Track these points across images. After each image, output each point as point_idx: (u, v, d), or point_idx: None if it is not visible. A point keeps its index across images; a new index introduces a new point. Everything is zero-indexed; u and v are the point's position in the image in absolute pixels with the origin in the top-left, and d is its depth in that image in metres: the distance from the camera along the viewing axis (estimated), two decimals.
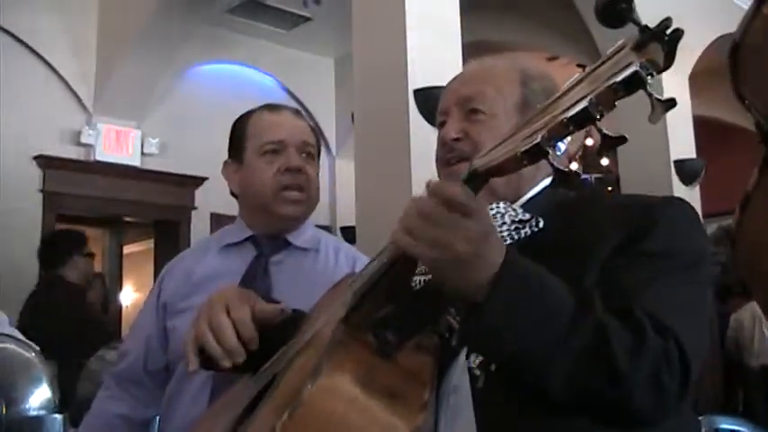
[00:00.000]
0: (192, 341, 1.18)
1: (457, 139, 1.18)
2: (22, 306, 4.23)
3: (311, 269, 1.71)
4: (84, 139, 6.25)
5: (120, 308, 6.60)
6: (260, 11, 6.73)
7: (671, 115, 5.47)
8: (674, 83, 5.54)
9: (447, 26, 3.94)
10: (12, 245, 5.67)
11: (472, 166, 0.91)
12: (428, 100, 3.60)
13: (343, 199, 7.07)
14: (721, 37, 6.27)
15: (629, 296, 0.93)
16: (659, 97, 0.77)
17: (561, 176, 0.82)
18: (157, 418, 1.74)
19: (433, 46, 3.85)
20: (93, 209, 6.59)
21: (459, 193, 0.87)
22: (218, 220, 6.49)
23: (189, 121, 6.82)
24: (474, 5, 4.75)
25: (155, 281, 1.86)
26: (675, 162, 5.70)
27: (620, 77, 0.77)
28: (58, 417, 3.73)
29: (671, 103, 0.77)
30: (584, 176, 8.70)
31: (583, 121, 0.78)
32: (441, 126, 1.24)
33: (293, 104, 5.70)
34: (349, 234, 5.47)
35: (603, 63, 0.80)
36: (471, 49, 3.91)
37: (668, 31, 0.77)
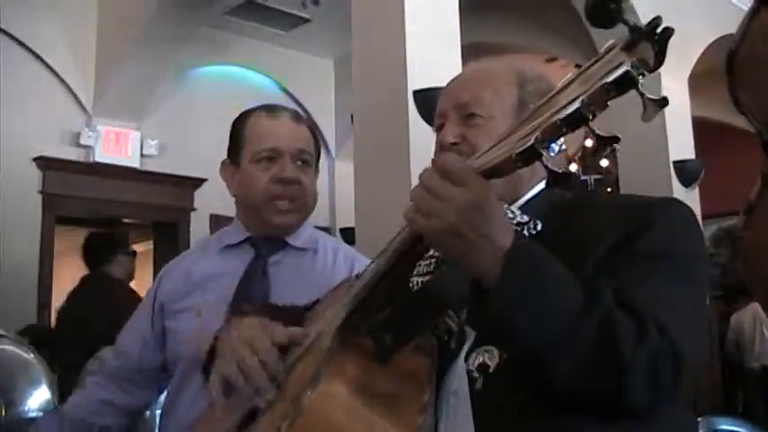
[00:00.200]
0: (219, 379, 1.17)
1: (455, 143, 1.18)
2: (64, 302, 4.35)
3: (310, 269, 1.70)
4: (83, 141, 6.25)
5: None
6: (259, 12, 6.73)
7: (670, 116, 5.48)
8: (673, 84, 5.54)
9: (446, 27, 3.94)
10: (11, 246, 5.67)
11: None
12: (427, 101, 3.60)
13: (343, 200, 7.08)
14: (721, 38, 6.27)
15: (625, 295, 0.93)
16: (651, 96, 0.77)
17: (555, 177, 0.83)
18: (157, 414, 1.74)
19: (433, 47, 3.85)
20: (92, 210, 6.58)
21: (452, 163, 0.89)
22: (217, 222, 6.49)
23: (188, 123, 6.82)
24: (473, 7, 4.75)
25: (152, 286, 1.86)
26: (675, 163, 5.70)
27: (611, 78, 0.77)
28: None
29: (663, 103, 0.77)
30: (582, 178, 8.71)
31: (575, 121, 0.79)
32: (438, 129, 1.24)
33: (292, 106, 5.69)
34: (348, 235, 5.48)
35: (595, 63, 0.81)
36: (470, 51, 3.92)
37: (658, 31, 0.77)
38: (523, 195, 1.18)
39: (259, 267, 1.69)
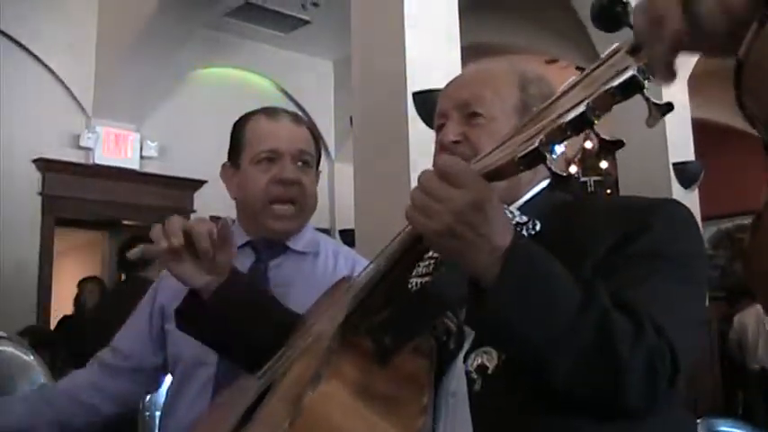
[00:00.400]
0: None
1: (456, 142, 1.18)
2: (100, 303, 4.42)
3: (310, 273, 1.70)
4: (83, 143, 6.26)
5: None
6: (259, 14, 6.73)
7: (670, 118, 5.48)
8: (673, 85, 5.52)
9: (446, 28, 3.94)
10: (11, 247, 5.67)
11: None
12: (427, 102, 3.60)
13: (342, 202, 7.08)
14: None
15: (622, 295, 0.94)
16: (656, 101, 0.77)
17: (558, 180, 0.82)
18: (157, 415, 1.73)
19: (432, 48, 3.85)
20: (92, 212, 6.59)
21: (451, 164, 0.89)
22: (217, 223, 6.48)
23: (188, 125, 6.83)
24: (473, 8, 4.76)
25: (151, 287, 1.86)
26: (674, 165, 5.70)
27: (616, 82, 0.76)
28: None
29: (668, 107, 0.77)
30: (582, 179, 8.71)
31: (580, 125, 0.78)
32: (439, 129, 1.24)
33: (292, 107, 5.70)
34: (348, 237, 5.48)
35: (599, 66, 0.80)
36: (470, 52, 3.92)
37: None
38: (523, 196, 1.18)
39: (259, 271, 1.69)
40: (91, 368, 1.76)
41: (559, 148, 0.82)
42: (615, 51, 0.79)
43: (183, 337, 1.64)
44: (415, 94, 3.69)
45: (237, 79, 7.31)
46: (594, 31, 5.27)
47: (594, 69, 0.81)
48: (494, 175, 0.88)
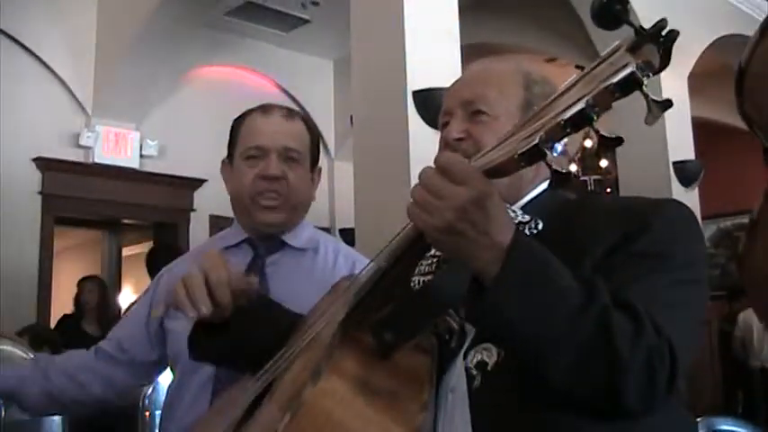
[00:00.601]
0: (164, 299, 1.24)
1: (459, 140, 1.19)
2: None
3: (309, 269, 1.70)
4: (83, 142, 6.25)
5: (118, 310, 6.60)
6: (258, 13, 6.73)
7: (670, 117, 5.48)
8: (673, 84, 5.54)
9: (446, 28, 3.95)
10: (11, 246, 5.68)
11: None
12: (427, 101, 3.60)
13: (342, 201, 7.07)
14: (720, 38, 6.27)
15: (622, 294, 0.94)
16: (655, 98, 0.77)
17: (559, 178, 0.83)
18: (157, 415, 1.74)
19: (432, 47, 3.85)
20: (91, 211, 6.59)
21: (452, 162, 0.89)
22: (216, 222, 6.49)
23: (188, 124, 6.82)
24: (473, 7, 4.76)
25: (151, 283, 1.87)
26: (674, 164, 5.70)
27: (615, 79, 0.77)
28: (57, 419, 3.73)
29: (667, 105, 0.77)
30: (582, 178, 8.71)
31: (580, 122, 0.79)
32: (443, 127, 1.24)
33: (292, 106, 5.70)
34: (348, 236, 5.48)
35: (599, 64, 0.81)
36: (470, 51, 3.92)
37: (663, 33, 0.77)
38: (525, 195, 1.18)
39: (256, 268, 1.70)
40: (89, 353, 1.78)
41: (560, 146, 0.82)
42: (615, 49, 0.80)
43: (181, 335, 1.65)
44: (415, 93, 3.70)
45: (237, 78, 7.31)
46: (594, 29, 5.27)
47: (595, 67, 0.81)
48: (494, 171, 0.88)
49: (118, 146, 6.45)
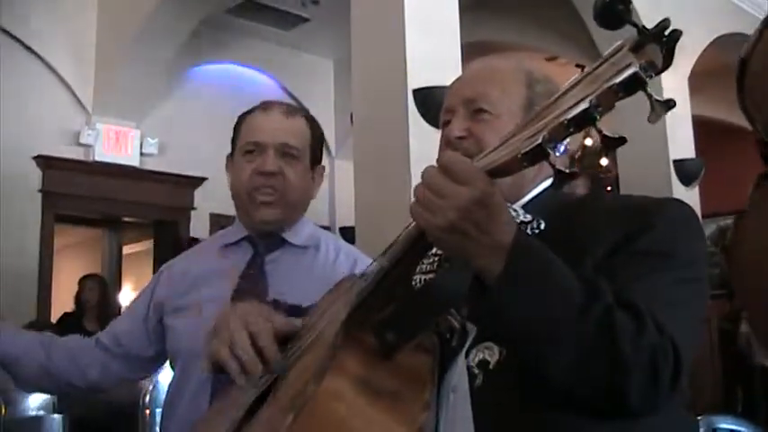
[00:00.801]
0: (208, 355, 1.15)
1: (461, 138, 1.18)
2: None
3: (310, 267, 1.70)
4: (83, 140, 6.26)
5: (119, 308, 6.61)
6: (259, 11, 6.73)
7: (670, 115, 5.47)
8: (673, 83, 5.54)
9: (446, 26, 3.95)
10: (11, 244, 5.68)
11: None
12: (427, 100, 3.60)
13: (342, 199, 7.08)
14: (720, 37, 6.27)
15: (624, 293, 0.94)
16: (658, 98, 0.77)
17: (562, 177, 0.83)
18: (157, 413, 1.75)
19: (432, 46, 3.85)
20: (92, 209, 6.59)
21: (455, 161, 0.89)
22: (217, 221, 6.50)
23: (188, 122, 6.82)
24: (473, 6, 4.76)
25: (150, 280, 1.88)
26: (675, 162, 5.70)
27: (619, 79, 0.77)
28: (57, 417, 3.75)
29: (671, 104, 0.78)
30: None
31: (583, 122, 0.79)
32: (444, 125, 1.24)
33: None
34: (348, 234, 5.47)
35: (602, 64, 0.81)
36: (470, 49, 3.92)
37: (666, 32, 0.77)
38: (526, 194, 1.18)
39: (256, 265, 1.70)
40: (90, 340, 1.79)
41: (563, 146, 0.82)
42: (618, 49, 0.80)
43: (181, 332, 1.65)
44: (415, 92, 3.69)
45: (237, 76, 7.31)
46: (595, 28, 5.27)
47: (597, 67, 0.81)
48: (497, 171, 0.88)
49: (118, 144, 6.45)
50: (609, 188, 8.32)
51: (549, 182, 1.19)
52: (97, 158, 6.33)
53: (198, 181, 6.75)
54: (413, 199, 0.91)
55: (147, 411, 2.68)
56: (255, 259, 1.71)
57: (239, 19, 6.85)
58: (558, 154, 0.82)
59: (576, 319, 0.88)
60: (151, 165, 6.65)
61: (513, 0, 6.52)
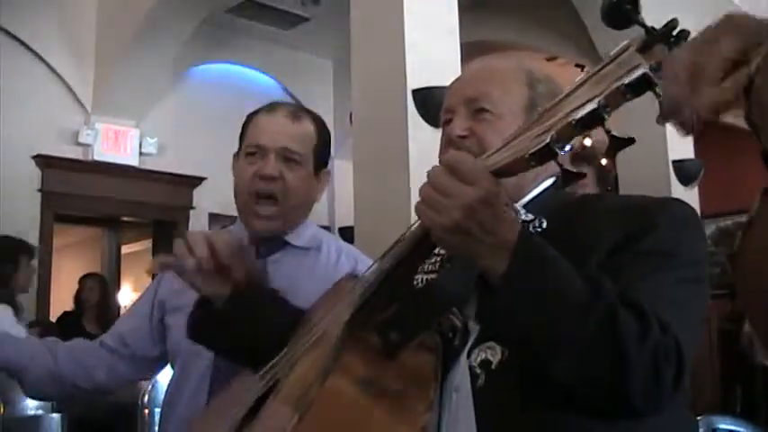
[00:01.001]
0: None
1: (463, 137, 1.18)
2: None
3: (311, 268, 1.70)
4: (82, 139, 6.25)
5: (118, 308, 6.60)
6: (258, 11, 6.73)
7: None
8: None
9: (445, 26, 3.94)
10: None
11: None
12: (427, 100, 3.60)
13: (342, 199, 7.07)
14: None
15: (627, 292, 0.94)
16: None
17: (569, 177, 0.83)
18: (156, 412, 1.75)
19: (432, 46, 3.85)
20: (91, 208, 6.59)
21: (460, 160, 0.89)
22: (216, 220, 6.50)
23: (187, 121, 6.82)
24: (472, 6, 4.76)
25: (153, 281, 1.87)
26: (674, 162, 5.69)
27: (628, 80, 0.77)
28: (56, 416, 3.75)
29: None
30: None
31: (591, 122, 0.79)
32: (445, 124, 1.24)
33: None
34: (347, 234, 5.47)
35: (608, 65, 0.80)
36: (470, 49, 3.92)
37: (674, 33, 0.77)
38: (527, 194, 1.18)
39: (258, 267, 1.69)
40: (94, 342, 1.80)
41: (569, 146, 0.82)
42: (624, 49, 0.80)
43: (181, 329, 1.65)
44: (414, 92, 3.69)
45: (237, 76, 7.30)
46: (594, 28, 5.27)
47: (603, 67, 0.81)
48: (503, 171, 0.89)
49: (117, 143, 6.45)
50: (609, 188, 8.31)
51: (549, 181, 1.19)
52: (96, 158, 6.32)
53: (197, 180, 6.75)
54: (417, 198, 0.91)
55: (147, 411, 2.68)
56: (257, 261, 1.70)
57: (239, 18, 6.85)
58: (562, 154, 0.82)
59: (580, 318, 0.89)
60: (150, 164, 6.65)
61: (513, 0, 6.51)
